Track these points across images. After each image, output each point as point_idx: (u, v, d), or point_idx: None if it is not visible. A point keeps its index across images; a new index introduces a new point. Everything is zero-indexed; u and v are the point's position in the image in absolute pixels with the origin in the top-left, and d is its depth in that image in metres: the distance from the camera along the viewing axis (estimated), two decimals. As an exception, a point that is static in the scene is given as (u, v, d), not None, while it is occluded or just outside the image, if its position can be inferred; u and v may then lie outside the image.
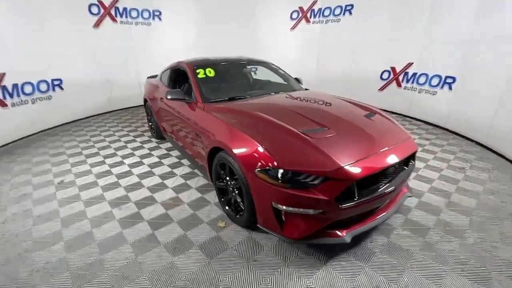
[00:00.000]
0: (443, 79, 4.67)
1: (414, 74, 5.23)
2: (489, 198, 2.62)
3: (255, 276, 1.77)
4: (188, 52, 6.37)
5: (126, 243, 2.09)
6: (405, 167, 2.13)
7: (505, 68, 3.58)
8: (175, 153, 3.87)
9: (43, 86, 4.99)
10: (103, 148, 4.14)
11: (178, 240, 2.12)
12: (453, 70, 4.47)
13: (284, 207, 1.74)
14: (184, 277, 1.78)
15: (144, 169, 3.39)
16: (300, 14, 6.95)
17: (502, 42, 3.65)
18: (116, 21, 6.07)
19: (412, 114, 5.45)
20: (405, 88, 5.48)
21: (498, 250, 1.96)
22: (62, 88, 5.36)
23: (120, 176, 3.21)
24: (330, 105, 2.62)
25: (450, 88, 4.56)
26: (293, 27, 7.17)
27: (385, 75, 5.83)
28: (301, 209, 1.71)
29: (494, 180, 2.96)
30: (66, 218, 2.43)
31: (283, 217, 1.82)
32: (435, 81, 4.83)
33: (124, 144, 4.29)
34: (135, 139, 4.54)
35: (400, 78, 5.53)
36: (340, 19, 6.39)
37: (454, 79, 4.48)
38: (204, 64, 3.18)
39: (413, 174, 3.05)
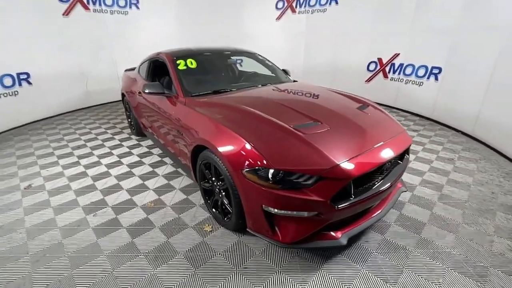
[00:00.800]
0: (429, 69, 4.66)
1: (401, 65, 5.20)
2: (479, 189, 2.61)
3: (245, 285, 1.63)
4: (169, 43, 5.99)
5: (102, 255, 1.88)
6: (400, 162, 2.03)
7: (491, 58, 3.58)
8: (157, 151, 3.63)
9: (8, 81, 4.54)
10: (78, 147, 3.83)
11: (160, 248, 1.93)
12: (439, 60, 4.45)
13: (275, 210, 1.59)
14: (167, 290, 1.61)
15: (123, 169, 3.14)
16: (286, 4, 6.73)
17: (488, 33, 3.63)
18: (89, 9, 5.60)
19: (399, 105, 5.44)
20: (391, 79, 5.45)
21: (494, 244, 1.92)
22: (30, 83, 4.91)
23: (96, 178, 2.95)
24: (321, 97, 2.49)
25: (436, 78, 4.55)
26: (279, 17, 6.95)
27: (372, 66, 5.78)
28: (294, 212, 1.57)
29: (482, 171, 2.96)
30: (33, 228, 2.17)
31: (274, 221, 1.67)
32: (421, 72, 4.81)
33: (101, 143, 3.98)
34: (114, 136, 4.24)
35: (387, 69, 5.49)
36: (326, 9, 6.24)
37: (440, 69, 4.47)
38: (185, 54, 2.94)
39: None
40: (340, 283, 1.63)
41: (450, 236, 2.01)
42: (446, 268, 1.72)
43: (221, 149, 1.75)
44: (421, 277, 1.66)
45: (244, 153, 1.64)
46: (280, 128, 1.77)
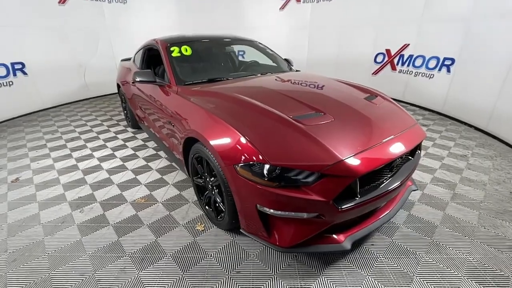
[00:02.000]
0: (441, 61, 4.39)
1: (410, 56, 4.93)
2: (496, 189, 2.40)
3: (237, 292, 1.47)
4: (170, 33, 5.81)
5: (85, 255, 1.74)
6: (411, 158, 1.84)
7: (509, 48, 3.31)
8: (152, 144, 3.47)
9: (1, 71, 4.41)
10: (72, 139, 3.70)
11: (147, 248, 1.78)
12: (452, 51, 4.18)
13: (271, 211, 1.42)
14: (151, 296, 1.46)
15: (115, 163, 3.00)
16: (290, -8, 6.46)
17: (506, 19, 3.36)
18: (86, -3, 5.42)
19: (407, 99, 5.19)
20: (400, 71, 5.20)
21: (515, 250, 1.73)
22: (25, 73, 4.78)
23: (87, 171, 2.82)
24: (325, 87, 2.28)
25: (449, 70, 4.29)
26: (283, 7, 6.69)
27: (379, 58, 5.52)
28: (292, 213, 1.40)
29: (498, 169, 2.75)
30: (14, 224, 2.04)
31: (270, 222, 1.51)
32: (432, 64, 4.55)
33: (96, 135, 3.85)
34: (109, 129, 4.10)
35: (395, 60, 5.23)
36: (332, -3, 5.96)
37: (453, 60, 4.20)
38: (180, 41, 2.75)
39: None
40: (343, 291, 1.47)
41: (465, 240, 1.82)
42: (462, 277, 1.54)
43: (212, 141, 1.58)
44: (434, 286, 1.49)
45: (236, 146, 1.47)
46: (278, 119, 1.59)
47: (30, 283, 1.54)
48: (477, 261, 1.65)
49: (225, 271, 1.60)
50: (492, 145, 3.31)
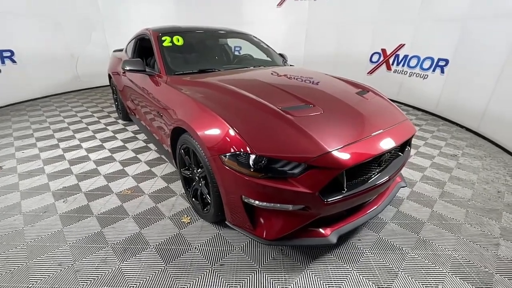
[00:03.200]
0: (435, 61, 4.41)
1: (405, 56, 4.94)
2: (484, 188, 2.41)
3: (220, 285, 1.44)
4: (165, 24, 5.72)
5: (65, 245, 1.69)
6: (400, 153, 1.83)
7: (503, 48, 3.33)
8: (142, 136, 3.42)
9: (-12, 58, 4.29)
10: (60, 130, 3.61)
11: (130, 239, 1.74)
12: (446, 52, 4.20)
13: (256, 202, 1.39)
14: (131, 287, 1.42)
15: (103, 154, 2.94)
16: (288, -12, 6.41)
17: (501, 21, 3.38)
18: (78, -16, 5.30)
19: (401, 99, 5.21)
20: (395, 71, 5.21)
21: (500, 247, 1.74)
22: (14, 61, 4.67)
23: (74, 162, 2.75)
24: (317, 81, 2.26)
25: (442, 71, 4.31)
26: (280, 3, 6.64)
27: (375, 58, 5.53)
28: (278, 205, 1.37)
29: (487, 169, 2.76)
30: (-6, 213, 1.98)
31: (255, 214, 1.48)
32: (426, 64, 4.56)
33: (86, 126, 3.77)
34: (99, 120, 4.03)
35: (391, 60, 5.24)
36: (330, -5, 5.93)
37: (447, 61, 4.22)
38: (172, 31, 2.69)
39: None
40: (327, 285, 1.45)
41: (452, 237, 1.82)
42: (446, 273, 1.54)
43: (198, 130, 1.54)
44: (418, 282, 1.48)
45: (222, 136, 1.43)
46: (266, 109, 1.56)
47: (5, 272, 1.49)
48: (462, 257, 1.65)
49: (209, 264, 1.57)
50: (483, 146, 3.33)
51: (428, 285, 1.46)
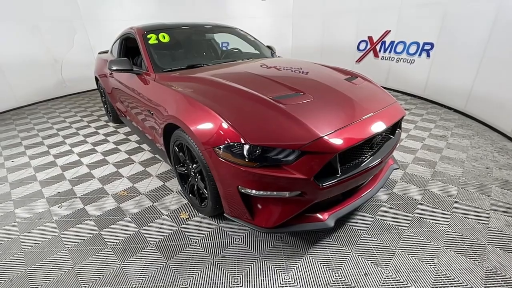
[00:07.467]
0: (421, 46, 4.47)
1: (392, 42, 4.99)
2: (473, 165, 2.48)
3: (223, 276, 1.46)
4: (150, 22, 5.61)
5: (64, 249, 1.68)
6: (391, 136, 1.86)
7: (484, 30, 3.40)
8: (135, 137, 3.38)
9: (-33, 66, 4.15)
10: (49, 136, 3.54)
11: (130, 239, 1.74)
12: (431, 35, 4.26)
13: (253, 192, 1.40)
14: (134, 285, 1.42)
15: (96, 157, 2.90)
16: (272, -19, 6.37)
17: (481, 2, 3.44)
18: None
19: (390, 85, 5.27)
20: (382, 58, 5.26)
21: (490, 220, 1.80)
22: (-5, 70, 4.52)
23: (66, 167, 2.71)
24: (306, 70, 2.27)
25: (428, 55, 4.37)
26: (265, -4, 6.59)
27: (362, 46, 5.56)
28: (274, 192, 1.39)
29: (476, 147, 2.84)
30: (-13, 224, 1.94)
31: (252, 203, 1.49)
32: (413, 49, 4.62)
33: (75, 131, 3.70)
34: (89, 124, 3.96)
35: (378, 47, 5.28)
36: (314, -15, 5.92)
37: (432, 45, 4.28)
38: (157, 28, 2.65)
39: (395, 145, 2.86)
40: (328, 268, 1.48)
41: (445, 213, 1.88)
42: (441, 248, 1.59)
43: (190, 124, 1.54)
44: (415, 258, 1.53)
45: (215, 128, 1.44)
46: (257, 100, 1.57)
47: (5, 280, 1.48)
48: (456, 232, 1.71)
49: (210, 256, 1.58)
50: (470, 125, 3.42)
51: (425, 260, 1.51)
